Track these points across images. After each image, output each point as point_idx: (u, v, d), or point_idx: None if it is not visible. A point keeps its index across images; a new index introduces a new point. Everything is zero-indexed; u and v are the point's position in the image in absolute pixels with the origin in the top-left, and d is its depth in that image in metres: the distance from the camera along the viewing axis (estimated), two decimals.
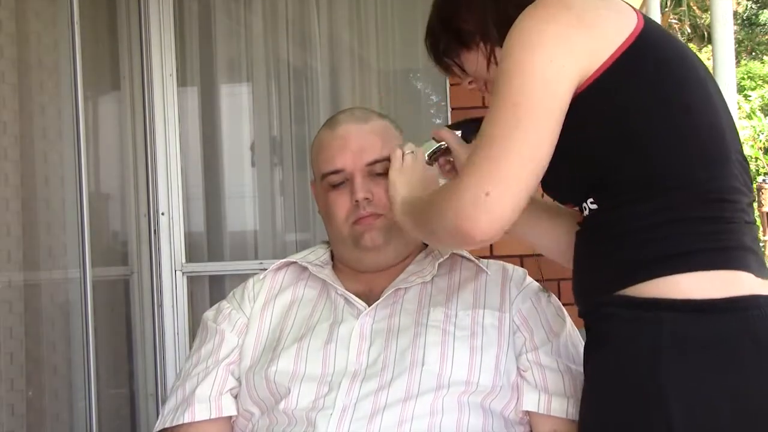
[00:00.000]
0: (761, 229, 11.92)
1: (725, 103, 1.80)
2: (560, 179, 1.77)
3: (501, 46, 1.76)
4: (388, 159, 2.04)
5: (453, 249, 2.03)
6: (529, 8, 1.72)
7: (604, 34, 1.69)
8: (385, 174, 2.03)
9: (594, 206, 1.74)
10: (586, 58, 1.67)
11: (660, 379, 1.57)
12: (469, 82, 1.99)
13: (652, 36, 1.72)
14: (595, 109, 1.68)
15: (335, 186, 2.09)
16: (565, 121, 1.66)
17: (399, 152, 1.98)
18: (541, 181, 1.73)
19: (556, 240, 2.00)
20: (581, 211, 1.79)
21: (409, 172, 1.97)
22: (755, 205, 11.84)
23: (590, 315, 1.74)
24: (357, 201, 2.05)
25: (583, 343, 1.80)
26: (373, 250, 2.06)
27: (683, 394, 1.56)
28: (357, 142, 2.08)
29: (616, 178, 1.69)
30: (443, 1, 1.98)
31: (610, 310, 1.67)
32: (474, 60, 1.93)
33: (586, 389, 1.72)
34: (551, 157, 1.65)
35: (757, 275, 1.64)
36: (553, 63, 1.64)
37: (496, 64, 1.85)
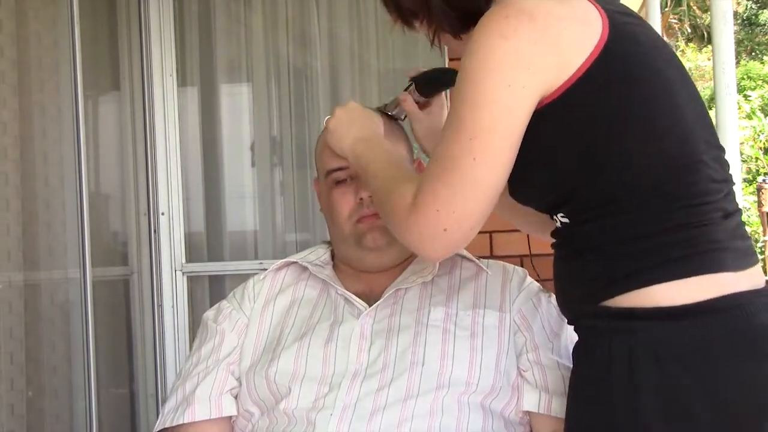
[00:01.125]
0: (761, 228, 11.91)
1: (693, 89, 1.74)
2: (530, 193, 1.77)
3: (452, 33, 1.81)
4: None
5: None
6: (490, 16, 1.65)
7: (569, 48, 1.63)
8: None
9: (565, 220, 1.73)
10: (549, 74, 1.62)
11: (635, 389, 1.57)
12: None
13: (617, 44, 1.65)
14: (559, 123, 1.64)
15: (339, 184, 2.08)
16: (529, 133, 1.63)
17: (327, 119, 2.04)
18: (514, 195, 1.76)
19: (533, 218, 1.96)
20: (553, 221, 1.78)
21: (348, 114, 2.01)
22: (755, 205, 11.84)
23: (574, 326, 1.75)
24: (361, 199, 2.04)
25: None
26: (375, 250, 2.06)
27: (660, 403, 1.55)
28: None
29: (583, 192, 1.67)
30: None
31: (588, 321, 1.68)
32: (426, 32, 1.89)
33: (569, 398, 1.73)
34: (517, 171, 1.64)
35: (735, 270, 1.62)
36: (511, 87, 1.60)
37: (440, 46, 1.87)
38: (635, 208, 1.65)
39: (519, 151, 1.63)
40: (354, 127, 1.99)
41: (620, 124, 1.64)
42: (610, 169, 1.64)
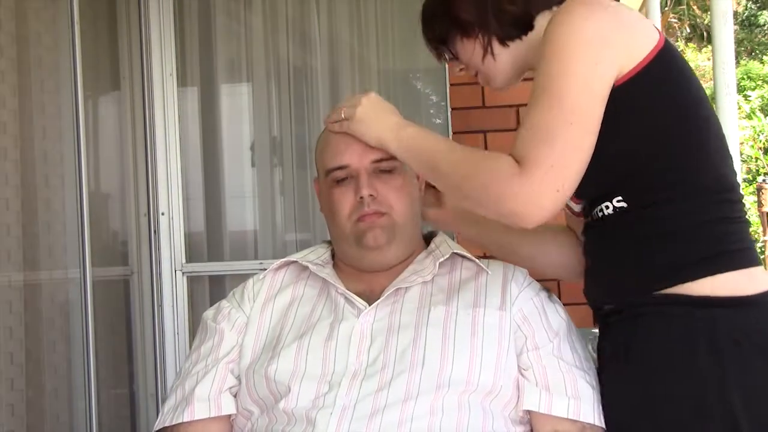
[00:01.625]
0: (761, 228, 11.92)
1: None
2: (587, 175, 1.81)
3: (500, 39, 1.98)
4: (394, 158, 2.04)
5: (489, 216, 1.89)
6: (567, 7, 1.83)
7: (639, 35, 1.83)
8: (391, 172, 2.04)
9: (622, 204, 1.86)
10: (624, 56, 1.79)
11: (720, 371, 1.73)
12: (460, 69, 2.10)
13: (672, 48, 1.86)
14: (630, 104, 1.80)
15: (339, 182, 2.08)
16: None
17: (342, 108, 2.06)
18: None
19: (566, 255, 2.18)
20: (591, 212, 1.95)
21: (373, 103, 2.05)
22: (755, 205, 11.85)
23: (625, 311, 1.86)
24: (362, 198, 2.04)
25: (583, 343, 1.99)
26: (375, 249, 2.06)
27: (743, 384, 1.72)
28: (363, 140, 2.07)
29: (649, 175, 1.82)
30: None
31: (656, 308, 1.80)
32: (470, 49, 2.03)
33: (627, 380, 1.85)
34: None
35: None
36: (598, 66, 1.77)
37: (493, 56, 2.01)
38: (700, 195, 1.83)
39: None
40: (384, 115, 2.04)
41: (687, 112, 1.84)
42: (679, 152, 1.82)
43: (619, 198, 1.86)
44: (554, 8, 1.96)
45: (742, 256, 1.82)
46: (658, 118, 1.81)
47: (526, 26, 1.99)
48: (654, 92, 1.81)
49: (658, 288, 1.80)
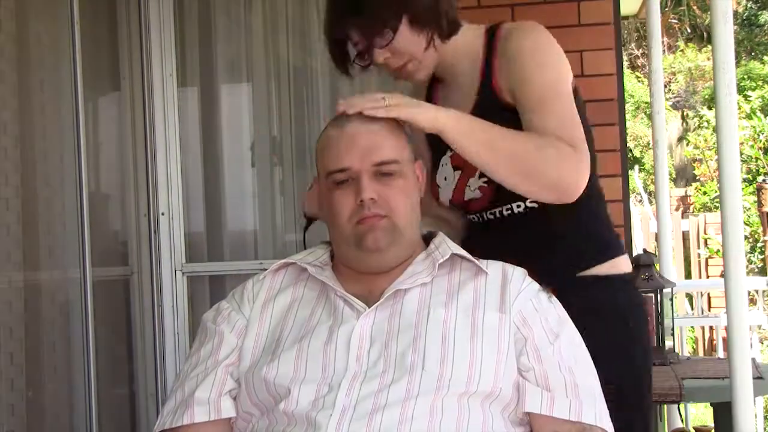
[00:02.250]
0: (762, 228, 11.91)
1: None
2: None
3: (441, 35, 2.29)
4: (395, 161, 2.04)
5: (539, 190, 2.19)
6: (534, 26, 2.32)
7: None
8: (392, 175, 2.04)
9: (533, 204, 2.28)
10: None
11: (645, 323, 2.45)
12: (385, 58, 2.29)
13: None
14: None
15: (340, 184, 2.07)
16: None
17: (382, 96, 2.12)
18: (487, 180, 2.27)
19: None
20: (489, 210, 2.35)
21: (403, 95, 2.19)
22: (755, 205, 11.84)
23: (569, 286, 2.20)
24: (362, 201, 2.03)
25: (583, 343, 2.05)
26: (375, 251, 2.05)
27: (643, 327, 2.41)
28: (365, 142, 2.06)
29: None
30: None
31: (580, 286, 2.29)
32: (415, 40, 2.26)
33: (596, 332, 2.14)
34: None
35: None
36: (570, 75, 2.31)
37: (435, 48, 2.29)
38: (596, 196, 2.36)
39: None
40: (423, 103, 2.20)
41: (586, 129, 2.26)
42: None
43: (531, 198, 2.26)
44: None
45: (621, 243, 2.42)
46: None
47: (456, 31, 2.34)
48: (579, 107, 2.27)
49: (578, 272, 2.30)
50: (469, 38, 2.37)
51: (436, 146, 2.39)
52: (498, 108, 2.28)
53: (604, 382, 2.03)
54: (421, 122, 2.10)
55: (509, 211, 2.32)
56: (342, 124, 2.09)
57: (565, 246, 2.31)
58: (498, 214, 2.35)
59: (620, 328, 2.29)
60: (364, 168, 2.04)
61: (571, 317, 2.08)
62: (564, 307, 2.09)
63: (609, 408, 2.00)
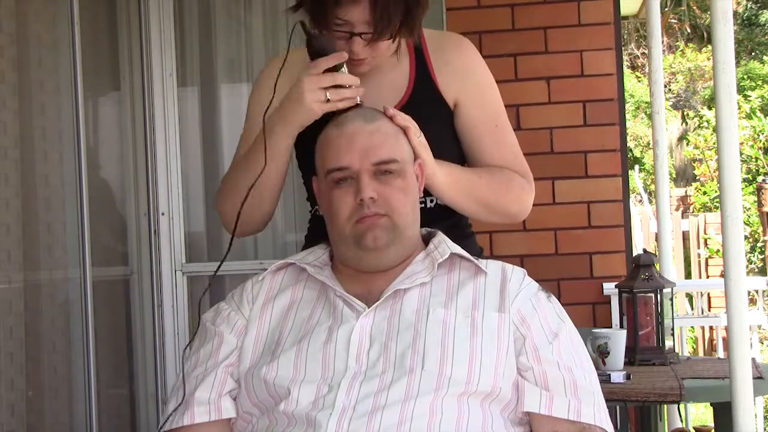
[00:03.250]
0: (762, 228, 11.91)
1: None
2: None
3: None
4: (395, 161, 2.05)
5: (499, 220, 2.47)
6: (464, 39, 2.48)
7: None
8: (391, 174, 2.05)
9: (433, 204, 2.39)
10: None
11: None
12: (360, 59, 2.26)
13: None
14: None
15: (339, 183, 2.07)
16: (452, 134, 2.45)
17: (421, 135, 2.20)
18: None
19: None
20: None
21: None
22: (755, 205, 11.84)
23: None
24: (362, 200, 2.03)
25: (582, 343, 2.06)
26: (374, 250, 2.05)
27: None
28: (365, 141, 2.06)
29: None
30: None
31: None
32: (387, 44, 2.26)
33: None
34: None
35: None
36: None
37: (398, 54, 2.32)
38: None
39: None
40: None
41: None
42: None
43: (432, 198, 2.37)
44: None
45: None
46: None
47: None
48: None
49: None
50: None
51: None
52: (437, 102, 2.40)
53: None
54: (427, 166, 2.20)
55: (422, 205, 2.31)
56: (342, 123, 2.10)
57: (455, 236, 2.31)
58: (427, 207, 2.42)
59: None
60: (364, 167, 2.04)
61: None
62: None
63: None
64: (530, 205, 2.45)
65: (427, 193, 2.28)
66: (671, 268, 5.06)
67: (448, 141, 2.42)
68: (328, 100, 2.15)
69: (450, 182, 2.28)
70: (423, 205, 2.32)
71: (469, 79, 2.41)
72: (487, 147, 2.42)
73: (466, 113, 2.41)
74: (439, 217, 2.36)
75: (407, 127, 2.13)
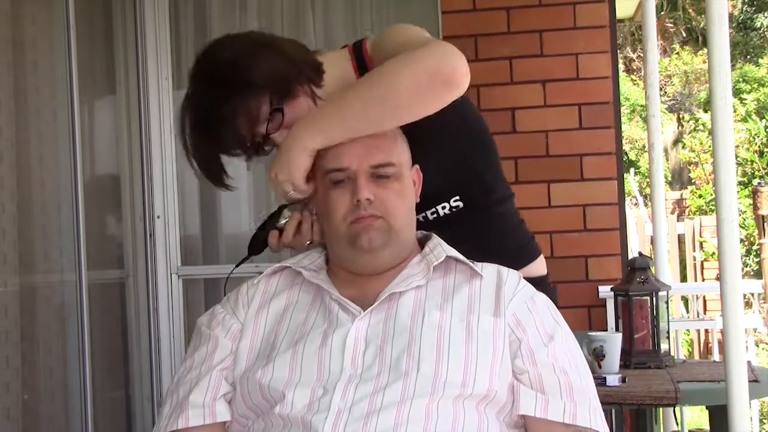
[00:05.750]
0: (758, 232, 11.93)
1: None
2: (437, 183, 2.27)
3: (317, 85, 2.19)
4: (392, 164, 2.05)
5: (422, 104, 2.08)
6: (391, 26, 2.27)
7: None
8: (389, 177, 2.05)
9: (458, 204, 2.35)
10: None
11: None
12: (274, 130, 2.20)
13: None
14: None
15: (337, 184, 2.08)
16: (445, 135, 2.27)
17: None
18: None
19: None
20: (426, 212, 2.35)
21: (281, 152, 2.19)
22: (750, 208, 11.86)
23: None
24: (358, 201, 2.03)
25: (578, 346, 2.08)
26: (368, 251, 2.05)
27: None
28: (365, 143, 2.07)
29: (482, 183, 2.38)
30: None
31: None
32: (301, 104, 2.18)
33: None
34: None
35: None
36: None
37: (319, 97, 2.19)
38: (510, 199, 2.46)
39: None
40: (283, 148, 2.17)
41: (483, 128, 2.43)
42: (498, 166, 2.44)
43: (456, 197, 2.34)
44: None
45: (536, 245, 2.48)
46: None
47: (321, 71, 2.24)
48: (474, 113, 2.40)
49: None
50: (341, 67, 2.30)
51: None
52: None
53: None
54: (300, 164, 2.11)
55: (435, 215, 2.35)
56: None
57: (484, 250, 2.22)
58: (422, 219, 2.35)
59: None
60: (362, 169, 2.04)
61: None
62: None
63: None
64: (445, 57, 2.01)
65: (438, 199, 2.31)
66: (667, 271, 5.06)
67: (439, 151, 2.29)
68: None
69: (323, 125, 2.08)
70: (434, 215, 2.36)
71: (381, 50, 2.20)
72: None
73: None
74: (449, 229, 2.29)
75: (287, 177, 2.14)
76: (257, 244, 2.32)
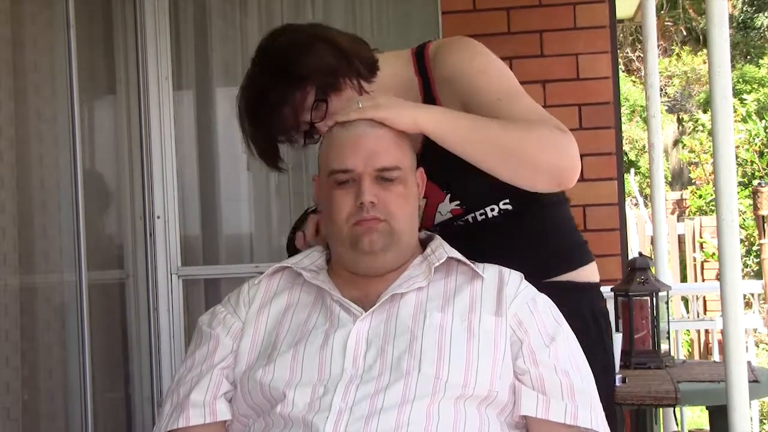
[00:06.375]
0: (758, 232, 11.93)
1: None
2: (474, 185, 2.24)
3: (365, 80, 2.25)
4: (398, 168, 2.05)
5: (536, 177, 2.15)
6: (457, 40, 2.33)
7: None
8: (393, 180, 2.05)
9: (507, 207, 2.29)
10: None
11: (598, 330, 2.35)
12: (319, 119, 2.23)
13: None
14: None
15: (341, 185, 2.07)
16: None
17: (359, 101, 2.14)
18: (450, 190, 2.28)
19: None
20: (463, 217, 2.31)
21: (392, 97, 2.18)
22: (750, 208, 11.86)
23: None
24: (362, 203, 2.03)
25: (579, 346, 2.07)
26: (370, 254, 2.05)
27: (606, 338, 2.40)
28: (370, 145, 2.06)
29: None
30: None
31: (548, 292, 2.13)
32: (345, 96, 2.22)
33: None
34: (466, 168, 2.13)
35: None
36: None
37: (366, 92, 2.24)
38: (563, 201, 2.38)
39: None
40: (408, 102, 2.16)
41: None
42: None
43: (506, 201, 2.28)
44: None
45: (588, 250, 2.40)
46: None
47: (375, 67, 2.30)
48: None
49: (548, 277, 2.27)
50: (399, 67, 2.34)
51: None
52: None
53: None
54: (398, 123, 2.08)
55: (483, 216, 2.31)
56: (349, 125, 2.10)
57: (534, 252, 2.30)
58: (471, 220, 2.33)
59: (581, 338, 2.13)
60: (367, 171, 2.04)
61: None
62: None
63: None
64: (572, 158, 2.09)
65: (488, 200, 2.29)
66: (667, 271, 5.06)
67: None
68: None
69: (446, 127, 2.11)
70: (483, 216, 2.32)
71: (460, 83, 2.23)
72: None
73: (471, 110, 2.18)
74: (499, 229, 2.32)
75: (383, 118, 2.09)
76: (291, 247, 2.40)
